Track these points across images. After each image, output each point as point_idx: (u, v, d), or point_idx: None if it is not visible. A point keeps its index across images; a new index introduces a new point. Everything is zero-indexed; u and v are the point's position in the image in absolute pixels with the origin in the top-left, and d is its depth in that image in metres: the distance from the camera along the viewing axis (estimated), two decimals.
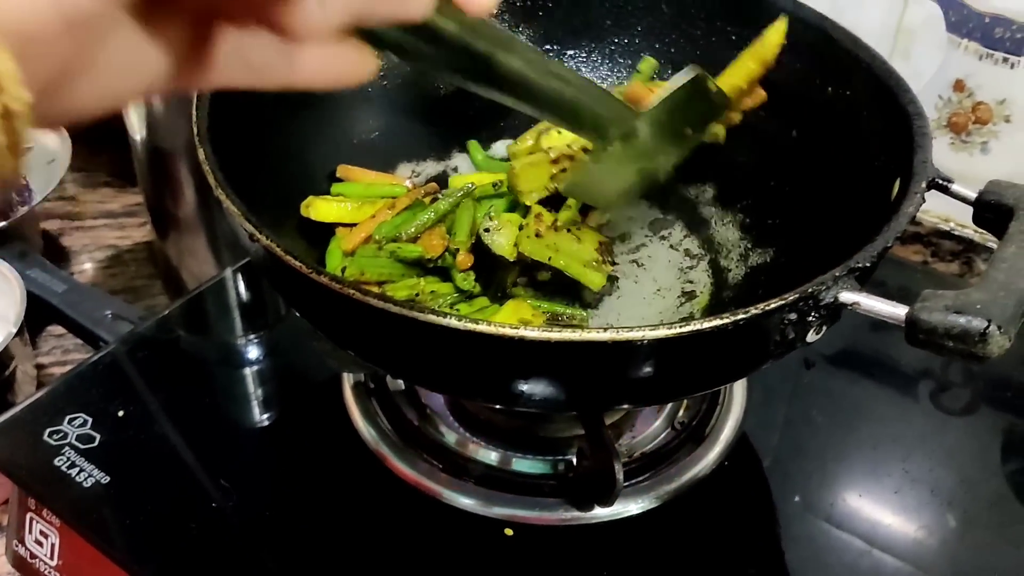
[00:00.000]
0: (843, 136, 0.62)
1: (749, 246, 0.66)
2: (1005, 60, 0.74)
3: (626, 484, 0.58)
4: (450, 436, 0.63)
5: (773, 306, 0.43)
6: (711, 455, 0.62)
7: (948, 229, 0.83)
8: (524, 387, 0.46)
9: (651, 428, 0.64)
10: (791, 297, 0.43)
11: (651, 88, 0.66)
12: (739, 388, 0.66)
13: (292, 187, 0.63)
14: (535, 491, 0.59)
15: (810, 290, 0.43)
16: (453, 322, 0.41)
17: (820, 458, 0.64)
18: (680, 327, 0.42)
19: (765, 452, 0.64)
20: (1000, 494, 0.63)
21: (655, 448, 0.62)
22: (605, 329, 0.42)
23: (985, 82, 0.76)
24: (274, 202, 0.59)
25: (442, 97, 0.70)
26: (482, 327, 0.41)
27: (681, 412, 0.65)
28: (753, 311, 0.42)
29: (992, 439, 0.67)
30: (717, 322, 0.42)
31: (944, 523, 0.60)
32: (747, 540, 0.59)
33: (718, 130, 0.66)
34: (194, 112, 0.50)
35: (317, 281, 0.43)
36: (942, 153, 0.80)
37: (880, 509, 0.61)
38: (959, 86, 0.77)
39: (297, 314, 0.52)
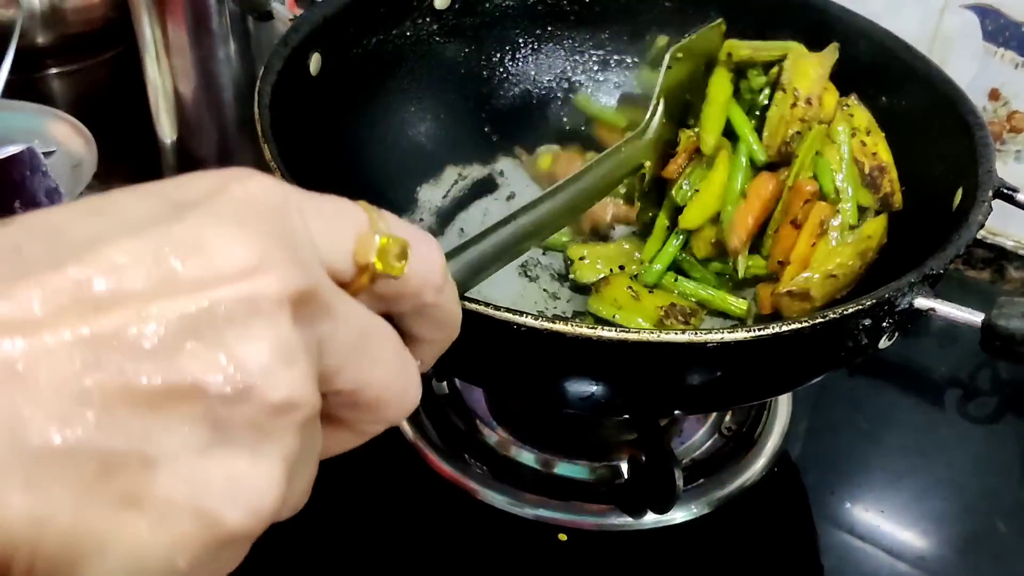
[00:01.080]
0: (898, 147, 0.61)
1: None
2: None
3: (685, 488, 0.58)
4: (496, 440, 0.62)
5: (851, 311, 0.43)
6: (759, 463, 0.61)
7: (980, 237, 0.83)
8: (593, 388, 0.45)
9: (699, 434, 0.64)
10: (868, 302, 0.43)
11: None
12: (785, 396, 0.66)
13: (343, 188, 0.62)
14: (586, 496, 0.59)
15: (887, 295, 0.43)
16: (530, 321, 0.41)
17: (865, 466, 0.64)
18: (759, 330, 0.41)
19: (811, 460, 0.64)
20: None
21: (705, 455, 0.62)
22: (683, 331, 0.41)
23: (1021, 91, 0.76)
24: None
25: (488, 102, 0.70)
26: (559, 326, 0.41)
27: (728, 419, 0.65)
28: (831, 315, 0.42)
29: (1018, 447, 0.67)
30: (795, 326, 0.42)
31: (989, 533, 0.60)
32: (797, 548, 0.59)
33: None
34: (256, 110, 0.50)
35: None
36: None
37: (925, 521, 0.61)
38: (994, 95, 0.78)
39: None
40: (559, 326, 0.41)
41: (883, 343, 0.45)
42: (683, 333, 0.41)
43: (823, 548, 0.59)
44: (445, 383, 0.66)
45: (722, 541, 0.58)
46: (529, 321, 0.41)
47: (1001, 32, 0.75)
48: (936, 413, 0.70)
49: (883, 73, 0.62)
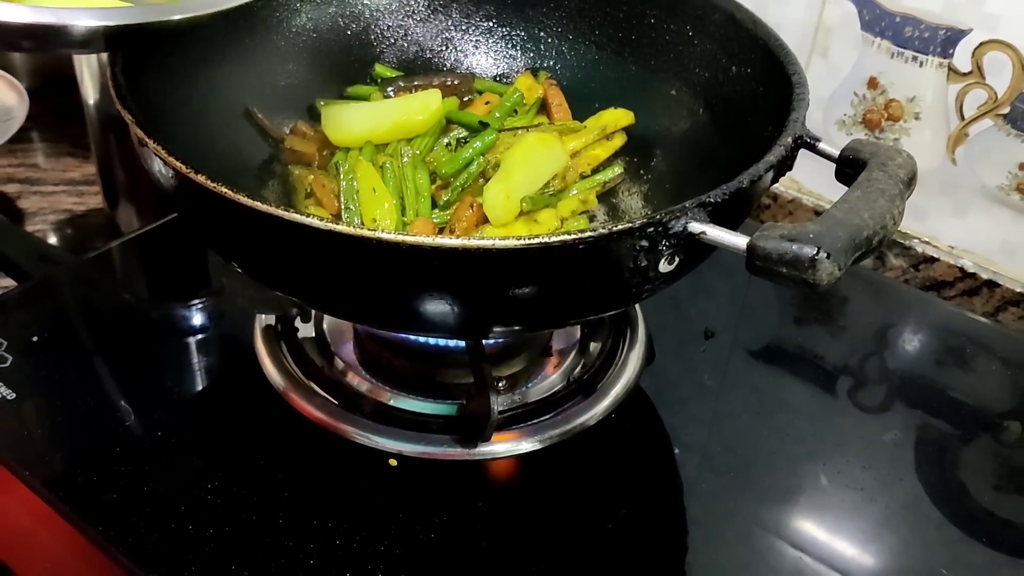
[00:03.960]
0: (743, 111, 0.65)
1: (650, 213, 0.69)
2: (915, 58, 0.77)
3: (518, 426, 0.62)
4: (354, 379, 0.65)
5: (621, 228, 0.45)
6: (599, 407, 0.64)
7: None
8: (389, 297, 0.48)
9: (547, 381, 0.66)
10: (639, 222, 0.46)
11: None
12: (635, 352, 0.69)
13: (215, 130, 0.66)
14: (426, 428, 0.62)
15: (659, 217, 0.46)
16: (315, 222, 0.44)
17: (707, 423, 0.66)
18: (529, 239, 0.44)
19: (656, 408, 0.67)
20: (914, 494, 0.63)
21: (547, 396, 0.65)
22: (458, 238, 0.44)
23: (897, 79, 0.79)
24: (199, 146, 0.62)
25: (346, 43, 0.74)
26: (342, 228, 0.44)
27: (578, 369, 0.68)
28: (600, 230, 0.45)
29: (906, 436, 0.68)
30: (565, 237, 0.45)
31: (865, 518, 0.61)
32: (624, 485, 0.61)
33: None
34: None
35: (195, 180, 0.46)
36: None
37: (762, 481, 0.63)
38: (873, 83, 0.81)
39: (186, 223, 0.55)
40: (341, 228, 0.44)
41: (663, 266, 0.48)
42: (456, 239, 0.44)
43: (657, 484, 0.62)
44: (312, 327, 0.69)
45: (555, 475, 0.61)
46: (315, 223, 0.44)
47: (878, 22, 0.78)
48: (827, 399, 0.71)
49: (732, 43, 0.66)
